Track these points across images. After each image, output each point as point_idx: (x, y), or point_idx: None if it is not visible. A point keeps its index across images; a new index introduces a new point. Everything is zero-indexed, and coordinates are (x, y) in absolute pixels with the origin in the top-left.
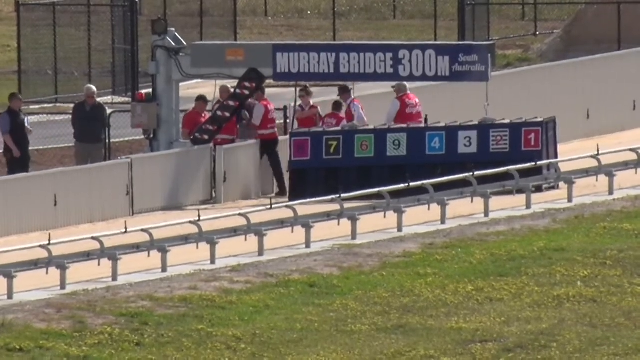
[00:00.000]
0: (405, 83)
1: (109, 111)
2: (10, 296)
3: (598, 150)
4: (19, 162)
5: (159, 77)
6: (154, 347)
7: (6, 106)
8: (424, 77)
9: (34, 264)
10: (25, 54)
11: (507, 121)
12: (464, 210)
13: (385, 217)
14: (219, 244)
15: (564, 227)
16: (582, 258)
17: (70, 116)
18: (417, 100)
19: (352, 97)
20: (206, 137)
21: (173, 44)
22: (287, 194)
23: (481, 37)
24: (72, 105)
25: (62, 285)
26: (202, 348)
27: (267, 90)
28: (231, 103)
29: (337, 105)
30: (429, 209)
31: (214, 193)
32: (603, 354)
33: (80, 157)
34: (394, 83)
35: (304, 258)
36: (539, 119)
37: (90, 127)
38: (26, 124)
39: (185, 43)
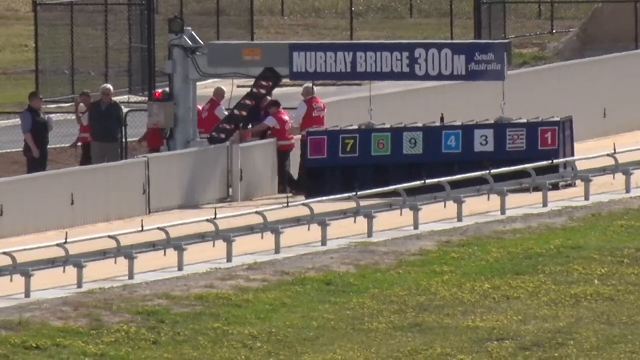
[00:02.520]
0: (313, 86)
1: (125, 110)
2: (27, 294)
3: (615, 149)
4: (38, 162)
5: (175, 76)
6: (170, 345)
7: (25, 105)
8: (440, 77)
9: (51, 263)
10: (43, 54)
11: (523, 120)
12: (481, 208)
13: (401, 215)
14: (236, 242)
15: (581, 225)
16: (600, 256)
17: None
18: (323, 105)
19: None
20: (223, 136)
21: (190, 43)
22: (291, 191)
23: (497, 36)
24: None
25: (79, 284)
26: (219, 346)
27: (284, 90)
28: (248, 102)
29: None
30: (445, 206)
31: (230, 191)
32: (620, 352)
33: (96, 156)
34: (305, 84)
35: (320, 256)
36: (556, 118)
37: (106, 126)
38: (51, 122)
39: (202, 42)
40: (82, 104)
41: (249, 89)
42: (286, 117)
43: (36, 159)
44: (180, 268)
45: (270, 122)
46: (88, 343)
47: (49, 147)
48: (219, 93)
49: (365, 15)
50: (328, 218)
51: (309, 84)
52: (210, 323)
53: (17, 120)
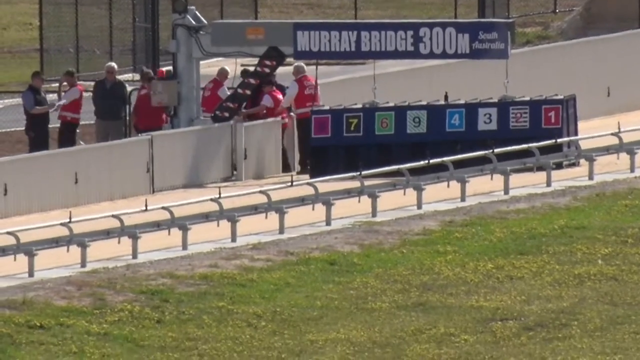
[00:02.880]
0: (304, 65)
1: (129, 89)
2: (31, 274)
3: (619, 128)
4: (40, 141)
5: (179, 55)
6: (174, 324)
7: (27, 84)
8: (444, 55)
9: (54, 242)
10: (47, 32)
11: (527, 98)
12: (484, 187)
13: (405, 194)
14: (240, 222)
15: (585, 205)
16: (603, 236)
17: (91, 93)
18: (315, 83)
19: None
20: (226, 114)
21: (193, 22)
22: (293, 170)
23: (501, 15)
24: (93, 83)
25: (83, 263)
26: (223, 325)
27: (289, 69)
28: (252, 81)
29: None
30: (448, 186)
31: (234, 170)
32: (624, 332)
33: (100, 135)
34: (296, 63)
35: (324, 236)
36: (559, 97)
37: (110, 104)
38: (57, 103)
39: (205, 21)
40: (64, 83)
41: (251, 68)
42: (280, 96)
43: (37, 138)
44: (184, 247)
45: (267, 101)
46: (91, 322)
47: (51, 125)
48: (223, 73)
49: None
50: (332, 197)
51: (300, 63)
52: (215, 302)
53: (21, 99)
